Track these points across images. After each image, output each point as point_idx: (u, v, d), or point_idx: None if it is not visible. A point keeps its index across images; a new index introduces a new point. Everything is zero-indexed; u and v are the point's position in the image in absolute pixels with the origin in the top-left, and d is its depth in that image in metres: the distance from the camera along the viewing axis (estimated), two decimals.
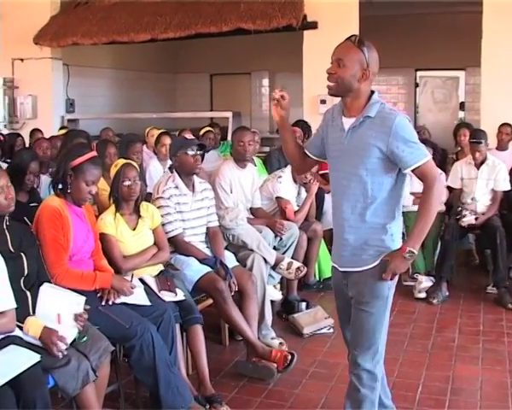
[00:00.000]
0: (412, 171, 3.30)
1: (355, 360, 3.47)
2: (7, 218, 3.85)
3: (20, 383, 3.23)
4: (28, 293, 3.80)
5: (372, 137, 3.28)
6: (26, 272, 3.82)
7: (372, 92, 3.38)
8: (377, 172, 3.32)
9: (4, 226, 3.84)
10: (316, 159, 3.72)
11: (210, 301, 5.02)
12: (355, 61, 3.29)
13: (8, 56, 10.97)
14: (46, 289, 3.80)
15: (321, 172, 7.14)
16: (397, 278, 3.43)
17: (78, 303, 3.76)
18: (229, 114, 9.98)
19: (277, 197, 6.39)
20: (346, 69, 3.29)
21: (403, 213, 6.46)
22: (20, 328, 3.61)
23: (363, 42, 3.33)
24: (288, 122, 3.66)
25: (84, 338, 3.72)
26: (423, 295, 6.80)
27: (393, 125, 3.24)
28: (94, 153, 4.36)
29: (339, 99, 3.43)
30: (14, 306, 3.51)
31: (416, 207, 7.14)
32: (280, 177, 6.45)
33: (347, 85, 3.31)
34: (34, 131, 9.08)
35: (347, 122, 3.38)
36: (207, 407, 4.33)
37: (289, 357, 4.79)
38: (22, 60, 10.94)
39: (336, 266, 3.57)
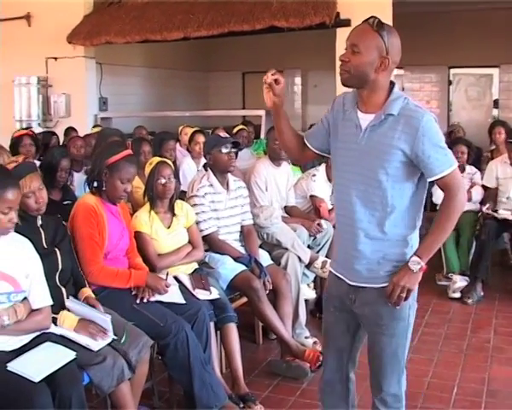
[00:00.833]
0: (435, 180, 2.93)
1: (379, 386, 3.17)
2: (40, 217, 3.89)
3: (56, 380, 3.25)
4: (63, 289, 3.83)
5: (395, 139, 2.89)
6: (60, 267, 3.86)
7: (392, 84, 2.98)
8: (399, 177, 2.94)
9: (38, 225, 3.87)
10: (316, 152, 3.31)
11: (244, 299, 5.01)
12: (372, 48, 2.86)
13: (42, 55, 11.04)
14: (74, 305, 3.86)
15: None
16: (415, 294, 3.07)
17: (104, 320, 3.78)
18: (262, 113, 9.95)
19: (311, 196, 6.35)
20: (362, 56, 2.87)
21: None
22: (55, 320, 3.66)
23: (382, 25, 2.89)
24: (283, 110, 3.20)
25: (122, 340, 3.74)
26: (458, 295, 6.74)
27: (420, 126, 2.85)
28: (129, 151, 4.38)
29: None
30: (51, 303, 3.54)
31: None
32: (314, 175, 6.42)
33: (362, 75, 2.89)
34: (69, 130, 9.15)
35: (364, 119, 2.98)
36: (241, 405, 4.32)
37: (322, 357, 4.76)
38: (56, 59, 11.01)
39: (342, 276, 3.14)
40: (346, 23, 9.14)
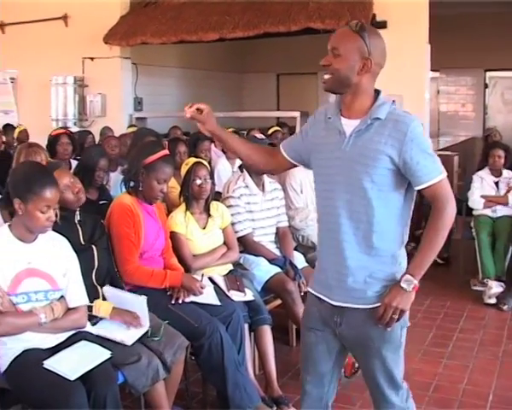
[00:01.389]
0: (423, 189, 2.77)
1: (378, 402, 3.05)
2: (78, 213, 3.92)
3: (91, 378, 3.27)
4: (99, 288, 3.85)
5: (382, 144, 2.73)
6: (96, 265, 3.90)
7: (377, 92, 2.86)
8: (385, 186, 2.77)
9: (76, 221, 3.91)
10: (291, 162, 3.16)
11: (278, 301, 4.99)
12: (352, 50, 2.76)
13: (79, 56, 11.13)
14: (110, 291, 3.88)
15: None
16: (407, 316, 2.90)
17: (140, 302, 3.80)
18: (296, 114, 9.93)
19: None
20: (343, 59, 2.76)
21: (473, 216, 6.25)
22: (90, 309, 3.71)
23: (363, 27, 2.77)
24: (222, 130, 3.12)
25: (156, 338, 3.75)
26: (493, 300, 6.66)
27: (409, 131, 2.71)
28: (166, 151, 4.39)
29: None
30: (87, 302, 3.57)
31: (487, 211, 7.16)
32: None
33: (344, 79, 2.78)
34: (105, 129, 9.21)
35: (349, 125, 2.83)
36: (274, 408, 4.32)
37: (357, 364, 4.71)
38: (92, 59, 11.09)
39: (324, 297, 2.96)
40: (383, 25, 9.08)
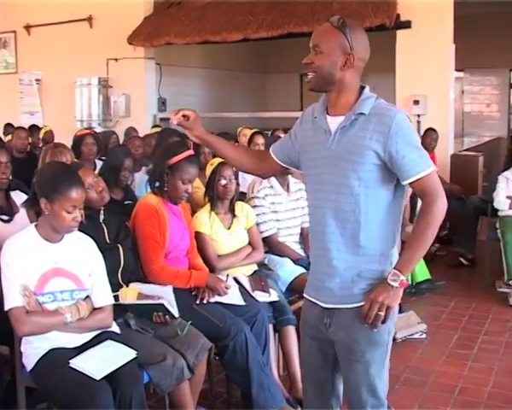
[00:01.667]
0: (411, 183, 2.67)
1: None
2: (102, 212, 3.95)
3: (117, 378, 3.28)
4: (125, 286, 3.86)
5: (367, 139, 2.66)
6: (122, 264, 3.92)
7: (362, 87, 2.79)
8: (372, 182, 2.69)
9: (100, 220, 3.93)
10: (281, 164, 3.09)
11: (303, 302, 4.97)
12: (334, 46, 2.69)
13: (103, 56, 11.22)
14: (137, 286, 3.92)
15: None
16: (395, 316, 2.82)
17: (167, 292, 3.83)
18: None
19: None
20: (324, 56, 2.70)
21: (499, 217, 6.17)
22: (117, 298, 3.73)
23: (344, 22, 2.69)
24: (208, 135, 3.07)
25: (184, 332, 3.76)
26: None
27: (393, 124, 2.63)
28: (191, 151, 4.39)
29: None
30: (112, 302, 3.59)
31: None
32: None
33: (327, 76, 2.72)
34: (129, 130, 9.26)
35: (334, 122, 2.77)
36: (298, 408, 4.29)
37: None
38: (116, 60, 11.17)
39: (314, 300, 2.88)
40: (407, 25, 9.08)
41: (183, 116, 2.98)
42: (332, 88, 2.75)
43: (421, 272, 6.89)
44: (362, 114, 2.69)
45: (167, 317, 3.77)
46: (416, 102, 8.99)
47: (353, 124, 2.70)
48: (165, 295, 3.80)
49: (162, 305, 3.76)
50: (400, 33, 9.19)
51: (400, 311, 5.96)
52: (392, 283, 2.64)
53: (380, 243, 2.74)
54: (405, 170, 2.64)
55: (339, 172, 2.72)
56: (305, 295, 3.00)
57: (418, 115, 9.12)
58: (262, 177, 4.40)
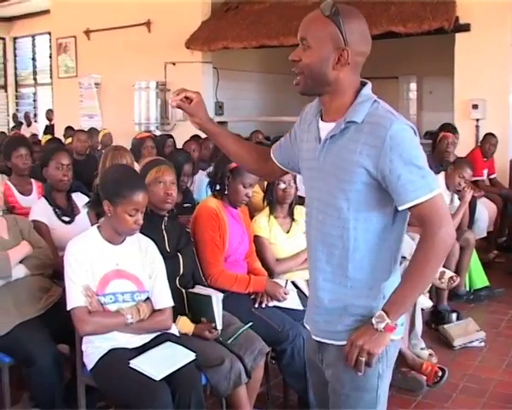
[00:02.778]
0: (409, 208, 2.22)
1: None
2: (166, 219, 3.97)
3: (176, 379, 3.30)
4: (183, 291, 3.89)
5: (356, 153, 2.22)
6: (181, 272, 3.92)
7: (363, 84, 2.34)
8: (363, 204, 2.26)
9: (163, 226, 3.95)
10: (283, 169, 2.73)
11: None
12: (324, 39, 2.24)
13: (161, 60, 11.32)
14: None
15: (474, 178, 6.92)
16: (391, 358, 2.40)
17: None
18: None
19: None
20: (313, 52, 2.27)
21: None
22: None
23: (337, 9, 2.23)
24: (212, 124, 2.71)
25: (231, 340, 3.78)
26: None
27: (388, 136, 2.17)
28: None
29: None
30: (172, 304, 3.60)
31: None
32: None
33: (318, 76, 2.28)
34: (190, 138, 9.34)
35: (325, 129, 2.35)
36: None
37: (440, 373, 4.64)
38: (174, 64, 11.26)
39: (309, 329, 2.55)
40: (466, 28, 8.95)
41: (186, 98, 2.59)
42: (324, 90, 2.33)
43: (480, 278, 6.80)
44: (353, 122, 2.26)
45: (213, 325, 3.76)
46: (475, 107, 8.85)
47: (344, 133, 2.28)
48: (215, 304, 3.81)
49: (210, 301, 3.76)
50: (459, 36, 9.06)
51: (458, 318, 5.91)
52: (377, 325, 2.23)
53: (370, 275, 2.33)
54: (401, 193, 2.20)
55: (326, 190, 2.33)
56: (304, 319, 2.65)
57: (477, 120, 8.98)
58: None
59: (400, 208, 2.23)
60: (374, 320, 2.24)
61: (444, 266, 5.75)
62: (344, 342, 2.31)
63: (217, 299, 3.77)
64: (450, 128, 8.01)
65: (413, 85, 13.67)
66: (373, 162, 2.20)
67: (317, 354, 2.49)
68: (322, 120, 2.40)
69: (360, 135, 2.23)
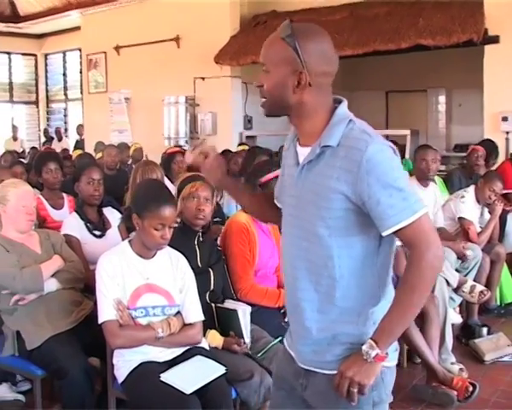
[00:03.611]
0: (394, 233, 2.12)
1: None
2: (199, 234, 3.99)
3: (206, 393, 3.31)
4: (213, 305, 3.90)
5: (333, 179, 2.12)
6: (211, 287, 3.94)
7: (337, 103, 2.25)
8: (345, 230, 2.17)
9: (195, 242, 3.97)
10: None
11: None
12: (280, 63, 2.17)
13: (190, 75, 11.40)
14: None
15: (504, 191, 6.86)
16: (387, 386, 2.30)
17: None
18: (406, 132, 9.83)
19: (460, 218, 6.19)
20: (271, 76, 2.20)
21: None
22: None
23: (293, 31, 2.16)
24: (227, 179, 2.67)
25: (259, 354, 3.78)
26: None
27: (363, 160, 2.06)
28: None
29: None
30: (202, 318, 3.62)
31: None
32: (463, 197, 6.26)
33: (279, 100, 2.21)
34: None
35: (302, 153, 2.26)
36: None
37: (471, 388, 4.60)
38: (203, 78, 11.33)
39: (293, 354, 2.41)
40: (495, 39, 8.90)
41: (201, 153, 2.57)
42: (290, 114, 2.26)
43: (511, 292, 6.74)
44: (328, 146, 2.16)
45: (242, 341, 3.77)
46: (505, 119, 8.78)
47: (320, 158, 2.18)
48: (242, 317, 3.82)
49: (236, 315, 3.78)
50: (488, 48, 9.01)
51: (489, 332, 5.86)
52: (366, 356, 2.14)
53: (358, 302, 2.23)
54: (382, 219, 2.10)
55: (306, 218, 2.23)
56: (284, 341, 2.54)
57: (507, 132, 8.92)
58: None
59: (384, 234, 2.13)
60: (363, 350, 2.14)
61: (474, 280, 5.73)
62: (334, 372, 2.21)
63: (243, 312, 3.78)
64: (485, 143, 7.94)
65: (442, 98, 13.60)
66: (351, 188, 2.11)
67: (301, 379, 2.36)
68: (299, 144, 2.31)
69: (336, 160, 2.13)
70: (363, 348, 2.14)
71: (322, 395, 2.29)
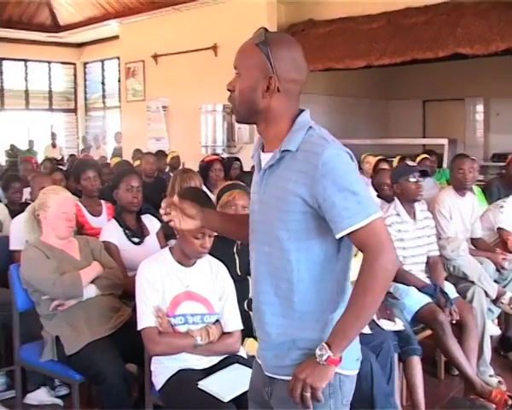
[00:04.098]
0: (348, 236, 2.14)
1: None
2: (238, 242, 4.00)
3: (244, 401, 3.29)
4: (251, 313, 3.90)
5: (292, 182, 2.18)
6: (250, 295, 3.93)
7: (301, 111, 2.32)
8: (303, 234, 2.20)
9: (235, 250, 3.99)
10: None
11: (428, 332, 4.86)
12: (252, 67, 2.25)
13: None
14: None
15: None
16: (347, 399, 2.30)
17: None
18: (444, 141, 9.78)
19: (499, 228, 6.12)
20: (242, 80, 2.27)
21: None
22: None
23: (266, 38, 2.24)
24: (220, 223, 2.74)
25: None
26: None
27: (320, 163, 2.11)
28: None
29: None
30: (241, 327, 3.63)
31: None
32: (502, 207, 6.19)
33: (249, 104, 2.28)
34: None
35: (265, 159, 2.32)
36: None
37: (510, 401, 4.54)
38: None
39: (260, 362, 2.44)
40: None
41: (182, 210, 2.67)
42: (257, 119, 2.32)
43: None
44: (288, 151, 2.21)
45: None
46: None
47: (280, 163, 2.24)
48: None
49: None
50: None
51: None
52: (319, 358, 2.13)
53: (317, 307, 2.24)
54: (336, 221, 2.12)
55: (268, 222, 2.27)
56: (255, 353, 2.55)
57: None
58: None
59: (337, 236, 2.15)
60: (316, 353, 2.14)
61: None
62: (290, 377, 2.21)
63: None
64: None
65: (480, 107, 13.52)
66: (308, 191, 2.15)
67: (267, 387, 2.38)
68: (263, 151, 2.37)
69: (295, 163, 2.19)
70: (316, 350, 2.14)
71: (283, 402, 2.28)
